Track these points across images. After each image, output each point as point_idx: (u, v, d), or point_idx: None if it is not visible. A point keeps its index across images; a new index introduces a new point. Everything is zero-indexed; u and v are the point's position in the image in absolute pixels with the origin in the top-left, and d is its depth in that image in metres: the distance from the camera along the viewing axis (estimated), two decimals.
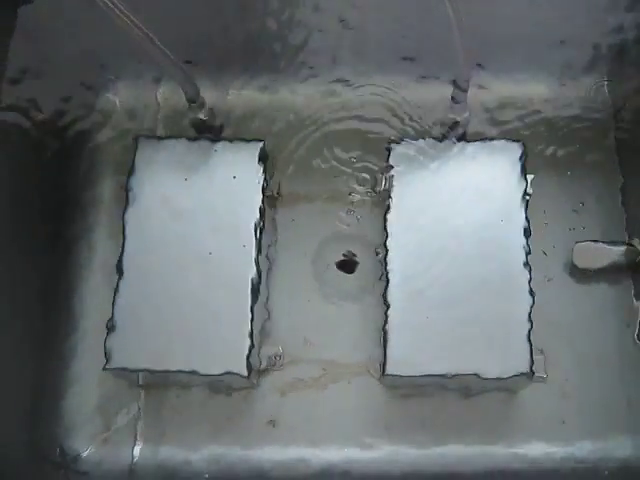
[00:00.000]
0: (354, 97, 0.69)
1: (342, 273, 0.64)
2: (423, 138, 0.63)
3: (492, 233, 0.59)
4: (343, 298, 0.64)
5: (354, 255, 0.65)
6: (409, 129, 0.68)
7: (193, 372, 0.56)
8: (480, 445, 0.60)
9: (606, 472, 0.60)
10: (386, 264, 0.59)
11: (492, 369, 0.56)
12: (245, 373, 0.56)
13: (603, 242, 0.64)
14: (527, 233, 0.59)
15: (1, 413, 0.56)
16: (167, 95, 0.69)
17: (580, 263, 0.63)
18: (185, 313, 0.58)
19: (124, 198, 0.60)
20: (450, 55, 0.52)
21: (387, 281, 0.58)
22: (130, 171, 0.61)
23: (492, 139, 0.62)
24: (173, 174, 0.61)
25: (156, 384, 0.61)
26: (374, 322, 0.61)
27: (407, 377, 0.57)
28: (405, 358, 0.57)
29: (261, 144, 0.62)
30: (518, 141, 0.62)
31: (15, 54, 0.58)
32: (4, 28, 0.58)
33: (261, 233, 0.60)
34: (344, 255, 0.65)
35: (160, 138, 0.63)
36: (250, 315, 0.58)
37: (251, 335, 0.57)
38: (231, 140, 0.62)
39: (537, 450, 0.60)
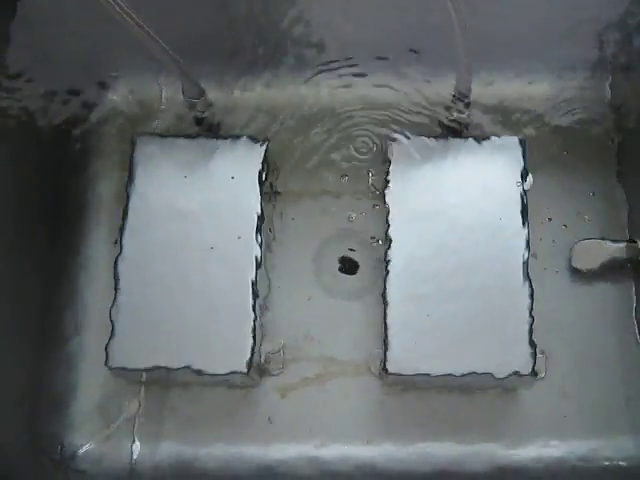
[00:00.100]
0: (356, 95, 0.69)
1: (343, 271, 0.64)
2: (424, 135, 0.63)
3: (492, 231, 0.59)
4: (343, 296, 0.64)
5: (353, 249, 0.65)
6: (411, 126, 0.68)
7: (194, 370, 0.56)
8: (480, 444, 0.60)
9: (606, 472, 0.60)
10: (386, 262, 0.59)
11: (492, 368, 0.56)
12: (246, 371, 0.56)
13: (603, 241, 0.64)
14: (527, 231, 0.59)
15: (1, 411, 0.56)
16: (168, 93, 0.69)
17: (580, 262, 0.63)
18: (186, 312, 0.58)
19: (124, 197, 0.60)
20: (452, 52, 0.52)
21: (387, 279, 0.58)
22: (130, 169, 0.61)
23: (492, 136, 0.62)
24: (173, 172, 0.61)
25: (156, 382, 0.61)
26: (374, 320, 0.60)
27: (407, 375, 0.57)
28: (405, 356, 0.57)
29: (262, 142, 0.62)
30: (518, 138, 0.62)
31: (15, 53, 0.58)
32: (4, 27, 0.58)
33: (262, 231, 0.60)
34: (344, 258, 0.65)
35: (160, 136, 0.62)
36: (251, 313, 0.58)
37: (253, 333, 0.57)
38: (232, 138, 0.62)
39: (536, 449, 0.60)
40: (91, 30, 0.62)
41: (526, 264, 0.58)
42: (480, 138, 0.62)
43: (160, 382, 0.61)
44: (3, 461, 0.55)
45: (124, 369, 0.57)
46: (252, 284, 0.58)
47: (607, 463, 0.60)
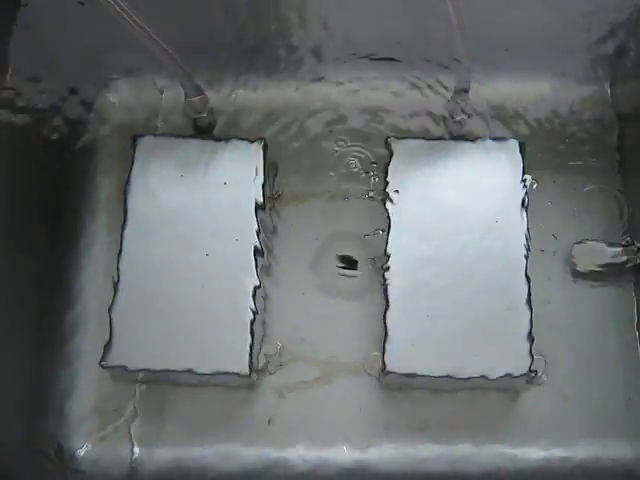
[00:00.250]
0: (355, 96, 0.69)
1: (342, 272, 0.64)
2: (423, 136, 0.63)
3: (491, 232, 0.59)
4: (343, 297, 0.64)
5: (352, 251, 0.65)
6: (409, 127, 0.68)
7: (193, 372, 0.56)
8: (479, 445, 0.60)
9: (606, 473, 0.60)
10: (386, 262, 0.59)
11: (492, 369, 0.56)
12: (246, 372, 0.56)
13: (603, 242, 0.64)
14: (527, 232, 0.59)
15: (0, 412, 0.56)
16: (167, 93, 0.69)
17: (580, 264, 0.63)
18: (184, 312, 0.57)
19: (123, 197, 0.60)
20: (452, 53, 0.52)
21: (386, 280, 0.58)
22: (129, 170, 0.61)
23: (491, 138, 0.62)
24: (172, 173, 0.61)
25: (155, 383, 0.61)
26: (374, 321, 0.60)
27: (406, 376, 0.57)
28: (404, 357, 0.57)
29: (261, 143, 0.62)
30: (517, 140, 0.62)
31: (14, 53, 0.58)
32: (4, 27, 0.58)
33: (260, 233, 0.60)
34: (343, 256, 0.65)
35: (159, 137, 0.63)
36: (250, 314, 0.57)
37: (251, 334, 0.57)
38: (231, 139, 0.62)
39: (537, 451, 0.60)
40: (91, 30, 0.62)
41: (525, 265, 0.58)
42: (480, 139, 0.62)
43: (159, 383, 0.61)
44: (1, 461, 0.55)
45: (123, 370, 0.57)
46: (250, 285, 0.58)
47: (607, 464, 0.60)
